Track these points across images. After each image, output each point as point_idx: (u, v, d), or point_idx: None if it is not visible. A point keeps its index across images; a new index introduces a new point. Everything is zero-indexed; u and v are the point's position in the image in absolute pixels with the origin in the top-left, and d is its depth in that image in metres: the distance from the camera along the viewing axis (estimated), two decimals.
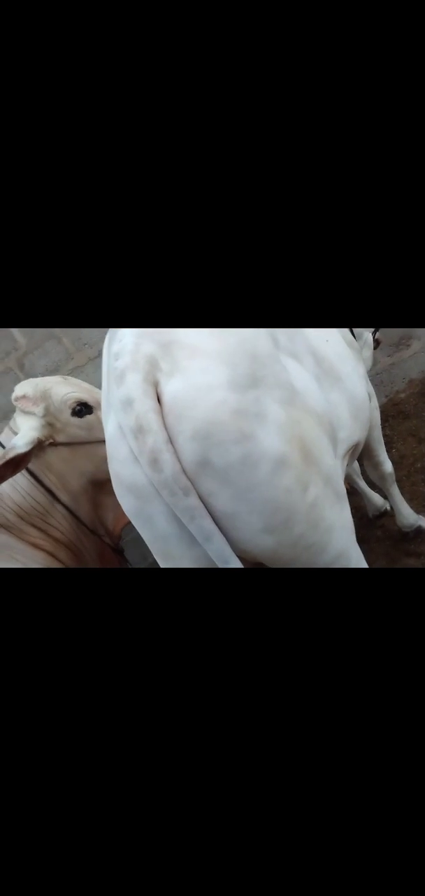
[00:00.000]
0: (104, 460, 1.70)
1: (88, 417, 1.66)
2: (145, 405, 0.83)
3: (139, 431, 0.83)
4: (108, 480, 1.77)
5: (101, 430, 1.67)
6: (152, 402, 0.83)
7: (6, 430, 1.72)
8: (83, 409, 1.65)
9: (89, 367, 2.60)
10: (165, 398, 0.84)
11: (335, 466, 1.01)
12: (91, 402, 1.67)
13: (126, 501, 0.97)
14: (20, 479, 1.65)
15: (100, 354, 2.58)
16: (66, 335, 2.58)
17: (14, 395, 1.66)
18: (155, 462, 0.84)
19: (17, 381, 2.81)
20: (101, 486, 1.75)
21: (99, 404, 1.68)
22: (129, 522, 1.96)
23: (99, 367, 2.57)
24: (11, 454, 1.48)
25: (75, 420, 1.64)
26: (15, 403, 1.66)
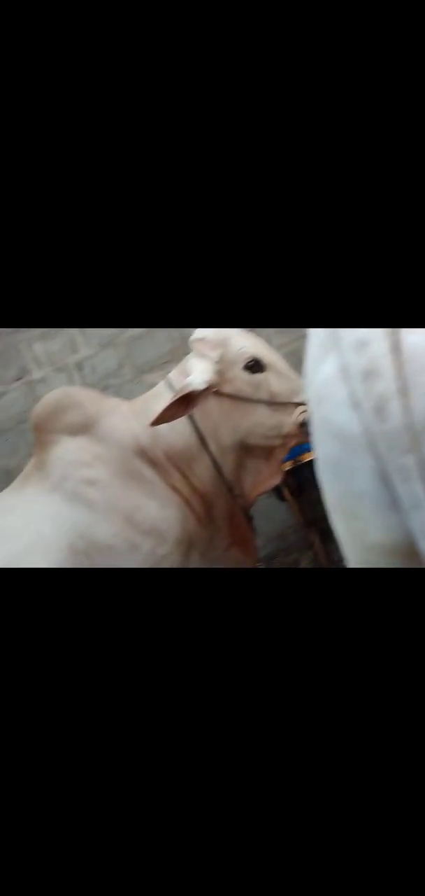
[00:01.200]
0: (259, 423, 1.73)
1: (258, 376, 1.69)
2: (382, 348, 0.81)
3: (369, 375, 0.82)
4: (257, 444, 1.81)
5: (266, 391, 1.70)
6: (390, 348, 0.82)
7: (174, 371, 1.80)
8: (256, 365, 1.68)
9: None
10: (407, 345, 0.82)
11: None
12: (265, 361, 1.70)
13: (327, 448, 0.96)
14: (178, 420, 1.71)
15: None
16: None
17: (193, 336, 1.74)
18: (380, 410, 0.81)
19: (171, 338, 2.97)
20: (248, 447, 1.79)
21: (272, 366, 1.70)
22: (264, 492, 1.98)
23: None
24: (188, 390, 1.54)
25: (245, 375, 1.68)
26: (192, 345, 1.74)
